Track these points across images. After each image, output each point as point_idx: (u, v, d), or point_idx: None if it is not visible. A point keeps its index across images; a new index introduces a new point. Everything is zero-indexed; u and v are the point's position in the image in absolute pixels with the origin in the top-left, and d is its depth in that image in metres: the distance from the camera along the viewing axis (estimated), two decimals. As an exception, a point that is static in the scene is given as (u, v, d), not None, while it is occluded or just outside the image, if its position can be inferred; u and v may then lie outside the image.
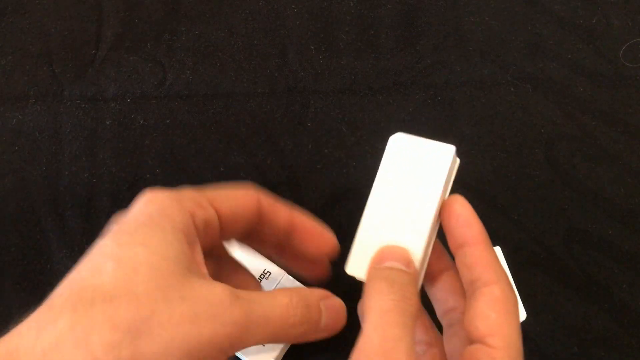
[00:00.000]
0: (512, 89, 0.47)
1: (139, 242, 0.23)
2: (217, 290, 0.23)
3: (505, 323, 0.25)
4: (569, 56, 0.48)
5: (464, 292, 0.27)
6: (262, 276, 0.34)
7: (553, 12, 0.50)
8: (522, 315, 0.37)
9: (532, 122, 0.46)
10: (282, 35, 0.48)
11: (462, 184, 0.43)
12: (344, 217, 0.42)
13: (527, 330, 0.39)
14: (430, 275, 0.30)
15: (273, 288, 0.33)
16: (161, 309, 0.21)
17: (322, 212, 0.42)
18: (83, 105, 0.46)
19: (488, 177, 0.44)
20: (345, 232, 0.41)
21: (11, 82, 0.46)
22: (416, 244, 0.28)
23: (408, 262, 0.27)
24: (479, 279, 0.26)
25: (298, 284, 0.34)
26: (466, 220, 0.27)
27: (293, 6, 0.50)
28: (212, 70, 0.47)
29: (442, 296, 0.30)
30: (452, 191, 0.43)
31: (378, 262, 0.27)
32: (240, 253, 0.34)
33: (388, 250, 0.27)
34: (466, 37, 0.49)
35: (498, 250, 0.39)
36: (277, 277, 0.34)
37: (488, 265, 0.26)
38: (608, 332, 0.39)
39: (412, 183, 0.30)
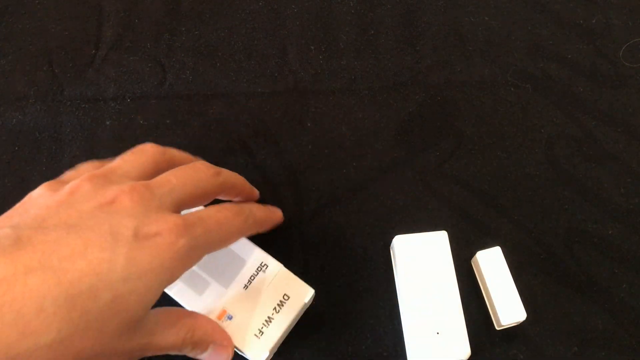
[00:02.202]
0: (512, 89, 0.47)
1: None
2: (143, 332, 0.28)
3: None
4: (569, 56, 0.48)
5: None
6: (259, 269, 0.35)
7: (553, 12, 0.50)
8: (522, 315, 0.37)
9: (532, 122, 0.46)
10: (282, 35, 0.48)
11: (462, 184, 0.43)
12: (344, 217, 0.42)
13: (527, 330, 0.39)
14: None
15: (269, 282, 0.34)
16: (111, 346, 0.26)
17: (322, 212, 0.42)
18: (83, 105, 0.46)
19: (488, 177, 0.44)
20: (346, 232, 0.42)
21: (11, 82, 0.46)
22: (457, 321, 0.36)
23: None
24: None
25: (294, 277, 0.35)
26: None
27: (293, 6, 0.50)
28: (212, 70, 0.47)
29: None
30: (455, 194, 0.43)
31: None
32: (237, 244, 0.36)
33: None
34: (466, 37, 0.49)
35: (498, 250, 0.39)
36: (274, 270, 0.35)
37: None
38: (608, 332, 0.39)
39: (429, 272, 0.37)
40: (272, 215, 0.38)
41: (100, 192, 0.28)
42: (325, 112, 0.46)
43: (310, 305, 0.37)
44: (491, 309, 0.38)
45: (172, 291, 0.35)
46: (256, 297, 0.34)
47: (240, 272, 0.35)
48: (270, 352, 0.33)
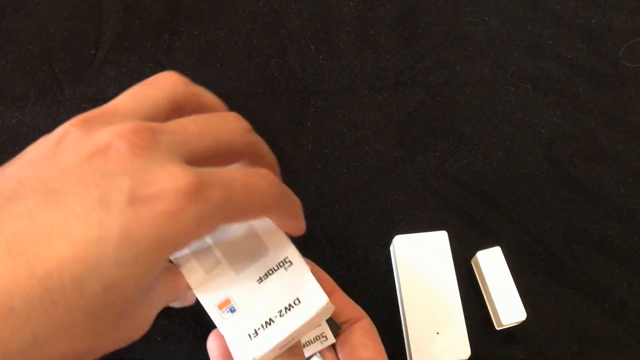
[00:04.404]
0: (512, 89, 0.47)
1: None
2: (145, 315, 0.24)
3: (380, 348, 0.30)
4: (569, 56, 0.48)
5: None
6: (281, 264, 0.29)
7: (553, 12, 0.50)
8: (522, 315, 0.37)
9: (532, 122, 0.46)
10: (282, 35, 0.48)
11: (462, 184, 0.43)
12: (344, 217, 0.42)
13: (527, 330, 0.39)
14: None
15: (286, 282, 0.29)
16: (106, 339, 0.22)
17: (322, 212, 0.42)
18: (83, 105, 0.46)
19: (488, 177, 0.44)
20: (346, 232, 0.42)
21: (11, 82, 0.46)
22: (457, 321, 0.36)
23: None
24: (350, 318, 0.31)
25: (315, 282, 0.29)
26: (319, 277, 0.29)
27: (293, 6, 0.50)
28: (212, 70, 0.47)
29: (335, 311, 0.32)
30: (455, 194, 0.43)
31: None
32: (264, 228, 0.30)
33: None
34: (466, 37, 0.49)
35: (498, 250, 0.39)
36: (297, 270, 0.29)
37: (353, 306, 0.31)
38: (608, 332, 0.39)
39: (429, 272, 0.37)
40: (300, 215, 0.30)
41: (91, 138, 0.21)
42: (325, 112, 0.46)
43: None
44: (491, 309, 0.38)
45: (174, 256, 0.29)
46: (267, 295, 0.28)
47: (259, 261, 0.29)
48: (258, 359, 0.28)
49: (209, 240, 0.29)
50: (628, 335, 0.39)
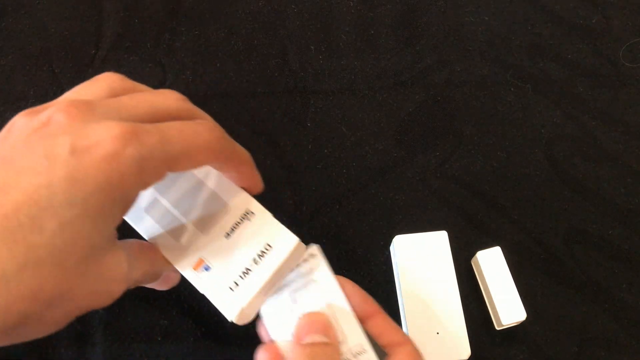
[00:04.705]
0: (512, 89, 0.47)
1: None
2: (116, 267, 0.25)
3: None
4: (569, 56, 0.48)
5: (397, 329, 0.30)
6: (243, 217, 0.30)
7: (553, 12, 0.50)
8: (522, 315, 0.37)
9: (532, 122, 0.46)
10: (282, 35, 0.48)
11: (462, 184, 0.43)
12: (343, 217, 0.42)
13: (527, 330, 0.39)
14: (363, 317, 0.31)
15: (253, 232, 0.30)
16: (77, 285, 0.23)
17: (322, 212, 0.42)
18: (83, 105, 0.46)
19: (488, 177, 0.44)
20: (346, 232, 0.42)
21: (11, 82, 0.46)
22: (457, 321, 0.36)
23: (326, 329, 0.29)
24: (392, 341, 0.29)
25: (281, 226, 0.30)
26: (361, 298, 0.30)
27: (293, 6, 0.50)
28: (212, 70, 0.47)
29: (377, 333, 0.31)
30: (455, 194, 0.43)
31: (300, 338, 0.28)
32: (217, 182, 0.31)
33: (308, 323, 0.29)
34: (466, 37, 0.49)
35: (498, 250, 0.39)
36: (261, 218, 0.30)
37: (396, 330, 0.30)
38: (608, 332, 0.39)
39: (429, 272, 0.37)
40: (252, 171, 0.31)
41: (35, 118, 0.24)
42: (325, 112, 0.46)
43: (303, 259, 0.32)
44: (491, 309, 0.38)
45: (145, 232, 0.31)
46: (237, 248, 0.29)
47: (223, 219, 0.30)
48: (246, 309, 0.28)
49: (173, 211, 0.30)
50: (628, 335, 0.39)
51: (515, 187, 0.43)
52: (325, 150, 0.44)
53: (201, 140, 0.26)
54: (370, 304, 0.30)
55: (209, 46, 0.48)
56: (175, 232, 0.30)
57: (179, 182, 0.31)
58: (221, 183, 0.31)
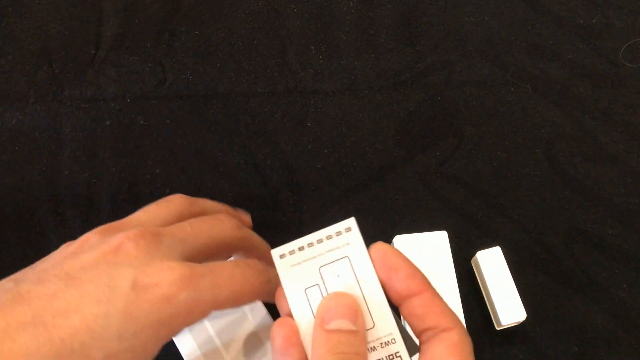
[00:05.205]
0: (512, 89, 0.47)
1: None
2: None
3: None
4: (569, 56, 0.48)
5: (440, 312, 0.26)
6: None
7: (553, 12, 0.50)
8: (522, 315, 0.37)
9: (532, 122, 0.46)
10: (282, 35, 0.48)
11: (462, 184, 0.43)
12: (344, 217, 0.42)
13: (527, 330, 0.39)
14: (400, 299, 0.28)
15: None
16: None
17: (322, 212, 0.42)
18: (83, 105, 0.46)
19: (488, 177, 0.44)
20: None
21: (11, 82, 0.46)
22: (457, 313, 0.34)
23: (355, 315, 0.26)
24: (436, 326, 0.25)
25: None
26: (407, 272, 0.26)
27: (293, 6, 0.50)
28: (212, 70, 0.47)
29: (421, 314, 0.27)
30: (455, 194, 0.43)
31: (324, 321, 0.26)
32: (260, 318, 0.34)
33: (335, 305, 0.26)
34: (466, 37, 0.49)
35: (498, 250, 0.39)
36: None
37: (442, 312, 0.26)
38: (608, 332, 0.39)
39: (429, 272, 0.35)
40: None
41: (106, 241, 0.26)
42: (325, 112, 0.46)
43: None
44: (491, 309, 0.38)
45: (185, 351, 0.33)
46: None
47: (256, 357, 0.32)
48: None
49: (216, 340, 0.33)
50: (628, 335, 0.39)
51: (515, 187, 0.43)
52: (325, 150, 0.44)
53: (249, 285, 0.28)
54: (416, 280, 0.26)
55: (209, 46, 0.48)
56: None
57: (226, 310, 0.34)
58: (263, 321, 0.33)
